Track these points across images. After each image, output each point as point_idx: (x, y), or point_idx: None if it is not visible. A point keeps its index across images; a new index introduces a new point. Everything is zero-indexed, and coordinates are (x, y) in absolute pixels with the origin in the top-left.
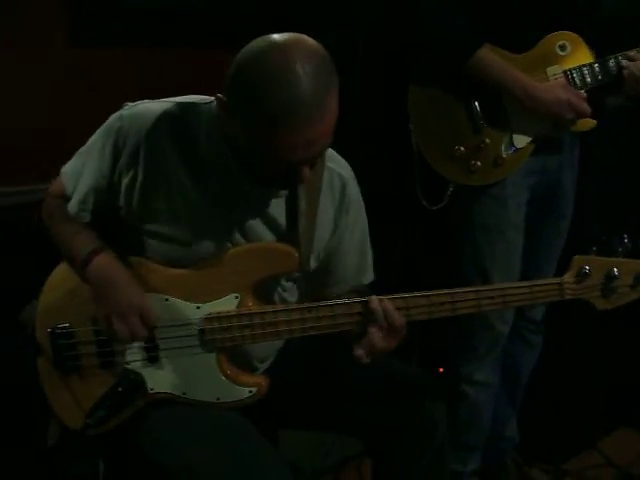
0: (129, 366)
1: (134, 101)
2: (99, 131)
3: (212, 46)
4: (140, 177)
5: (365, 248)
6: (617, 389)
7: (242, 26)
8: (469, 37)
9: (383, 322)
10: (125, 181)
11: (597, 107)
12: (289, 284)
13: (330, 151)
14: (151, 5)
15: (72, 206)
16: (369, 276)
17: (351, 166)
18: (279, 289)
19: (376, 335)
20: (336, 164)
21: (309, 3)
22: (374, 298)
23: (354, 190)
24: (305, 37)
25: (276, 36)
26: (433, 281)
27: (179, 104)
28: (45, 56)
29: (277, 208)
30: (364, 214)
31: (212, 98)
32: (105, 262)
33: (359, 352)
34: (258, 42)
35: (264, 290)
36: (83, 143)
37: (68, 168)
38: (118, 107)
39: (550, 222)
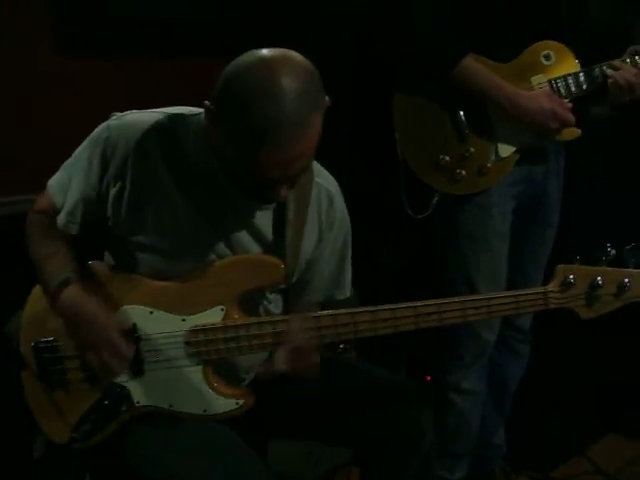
0: (115, 379)
1: (121, 111)
2: (86, 142)
3: (199, 55)
4: (127, 188)
5: (344, 264)
6: (604, 396)
7: (230, 35)
8: (454, 46)
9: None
10: (112, 192)
11: (582, 116)
12: (274, 296)
13: (318, 166)
14: (136, 14)
15: (60, 218)
16: (344, 293)
17: (337, 176)
18: (264, 301)
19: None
20: (324, 179)
21: (296, 11)
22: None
23: (340, 206)
24: (294, 53)
25: (265, 51)
26: (419, 290)
27: (167, 115)
28: (29, 64)
29: (264, 220)
30: (348, 231)
31: (201, 110)
32: (73, 296)
33: (260, 369)
34: (247, 55)
35: (249, 302)
36: (69, 153)
37: (54, 181)
38: (104, 116)
39: (536, 231)
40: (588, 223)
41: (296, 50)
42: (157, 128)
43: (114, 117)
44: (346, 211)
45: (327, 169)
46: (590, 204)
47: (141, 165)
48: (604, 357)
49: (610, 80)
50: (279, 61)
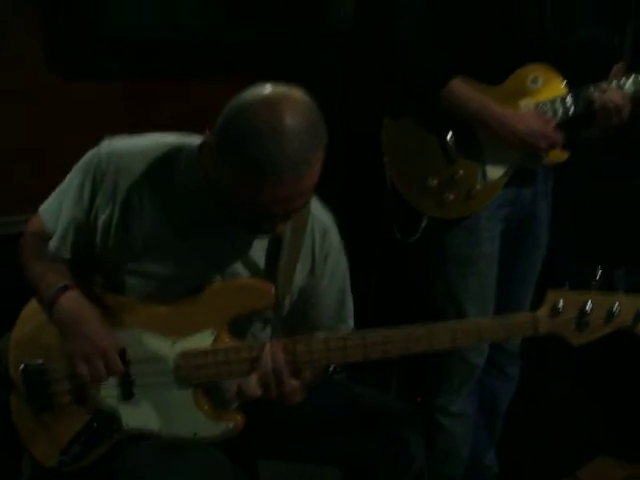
0: (104, 401)
1: (113, 133)
2: (77, 168)
3: (192, 76)
4: (117, 215)
5: (344, 297)
6: (596, 417)
7: (222, 57)
8: (442, 68)
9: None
10: (102, 218)
11: (570, 138)
12: (265, 322)
13: (314, 198)
14: (128, 36)
15: (52, 243)
16: (347, 325)
17: (325, 200)
18: (255, 326)
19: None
20: (319, 211)
21: (287, 34)
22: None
23: (335, 239)
24: (297, 91)
25: (269, 87)
26: (409, 315)
27: (160, 143)
28: (22, 85)
29: (258, 247)
30: (344, 264)
31: (194, 137)
32: (72, 301)
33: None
34: (250, 92)
35: (240, 327)
36: (60, 172)
37: (46, 207)
38: (96, 136)
39: (525, 253)
40: (577, 245)
41: (287, 72)
42: (149, 156)
43: (105, 143)
44: (341, 244)
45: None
46: (579, 226)
47: (131, 193)
48: (595, 378)
49: (598, 103)
50: (283, 99)
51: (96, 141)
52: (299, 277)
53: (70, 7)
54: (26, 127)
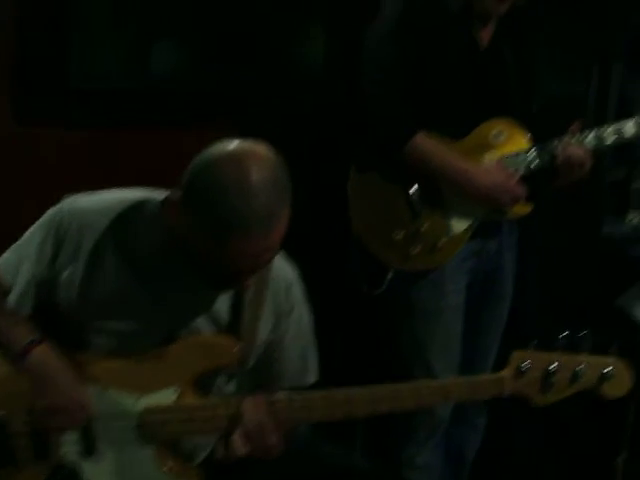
0: (66, 457)
1: (78, 189)
2: (37, 225)
3: (161, 126)
4: (81, 273)
5: (307, 351)
6: (562, 469)
7: (192, 107)
8: (406, 123)
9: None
10: (65, 275)
11: (534, 192)
12: (230, 375)
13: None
14: (97, 86)
15: (11, 299)
16: (310, 379)
17: (291, 254)
18: (220, 382)
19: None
20: (283, 265)
21: (256, 86)
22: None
23: (299, 292)
24: (263, 147)
25: (235, 144)
26: (375, 370)
27: (123, 198)
28: None
29: (221, 301)
30: (308, 317)
31: (159, 192)
32: (45, 354)
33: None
34: (217, 148)
35: (205, 383)
36: (26, 223)
37: (3, 262)
38: (65, 188)
39: (490, 305)
40: (543, 299)
41: (257, 121)
42: (112, 212)
43: (66, 201)
44: (305, 297)
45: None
46: (544, 279)
47: (94, 251)
48: (562, 430)
49: (561, 157)
50: (248, 155)
51: (67, 190)
52: (264, 332)
53: (38, 57)
54: None
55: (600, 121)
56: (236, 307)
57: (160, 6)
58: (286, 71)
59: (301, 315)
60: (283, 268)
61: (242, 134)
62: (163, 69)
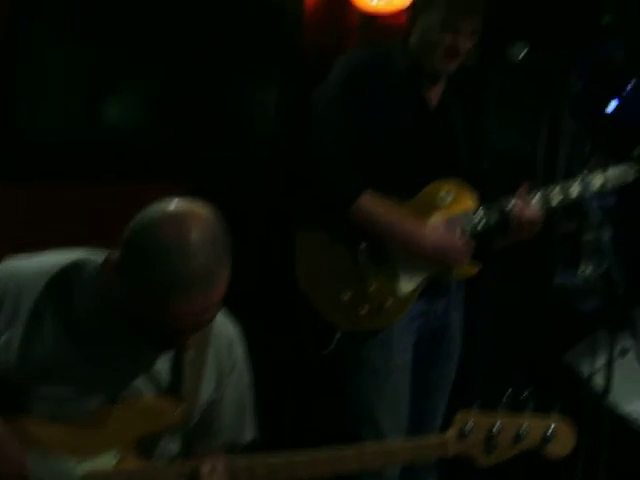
0: None
1: (21, 243)
2: None
3: (108, 181)
4: (19, 337)
5: (245, 409)
6: None
7: (140, 162)
8: (352, 184)
9: None
10: (3, 339)
11: (481, 251)
12: (172, 435)
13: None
14: (47, 140)
15: None
16: (247, 437)
17: (238, 316)
18: (162, 443)
19: None
20: (224, 322)
21: (206, 148)
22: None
23: (240, 350)
24: (202, 206)
25: (174, 203)
26: (323, 430)
27: (62, 260)
28: None
29: (162, 362)
30: (248, 376)
31: (98, 253)
32: None
33: None
34: (156, 208)
35: (147, 445)
36: None
37: None
38: (10, 242)
39: (438, 363)
40: (490, 353)
41: (208, 178)
42: (51, 275)
43: (5, 262)
44: (246, 355)
45: (229, 304)
46: (493, 335)
47: (33, 313)
48: None
49: (510, 217)
50: (188, 215)
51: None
52: (206, 391)
53: None
54: None
55: (549, 177)
56: (177, 367)
57: (111, 62)
58: (237, 129)
59: (242, 373)
60: (225, 326)
61: (191, 190)
62: (112, 124)
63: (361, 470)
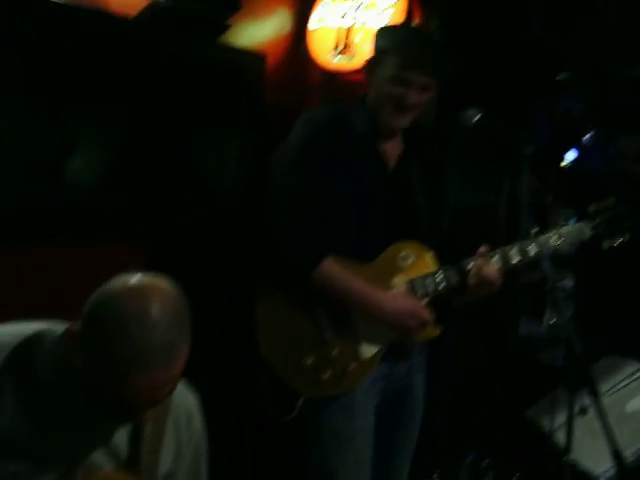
0: None
1: None
2: None
3: (56, 245)
4: None
5: (201, 478)
6: None
7: (85, 224)
8: (313, 249)
9: None
10: None
11: (442, 313)
12: None
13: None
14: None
15: None
16: None
17: (201, 383)
18: None
19: None
20: (183, 394)
21: (166, 209)
22: None
23: (199, 422)
24: (163, 281)
25: (135, 277)
26: None
27: (21, 332)
28: None
29: (120, 435)
30: (205, 447)
31: (59, 325)
32: None
33: None
34: (117, 281)
35: None
36: None
37: None
38: None
39: (401, 425)
40: (454, 413)
41: (171, 240)
42: (9, 348)
43: None
44: (204, 426)
45: (189, 371)
46: (457, 394)
47: None
48: None
49: (470, 277)
50: (149, 289)
51: None
52: (165, 463)
53: None
54: None
55: (511, 232)
56: (135, 440)
57: (69, 124)
58: (199, 189)
59: (199, 443)
60: (185, 396)
61: (152, 252)
62: (71, 186)
63: None
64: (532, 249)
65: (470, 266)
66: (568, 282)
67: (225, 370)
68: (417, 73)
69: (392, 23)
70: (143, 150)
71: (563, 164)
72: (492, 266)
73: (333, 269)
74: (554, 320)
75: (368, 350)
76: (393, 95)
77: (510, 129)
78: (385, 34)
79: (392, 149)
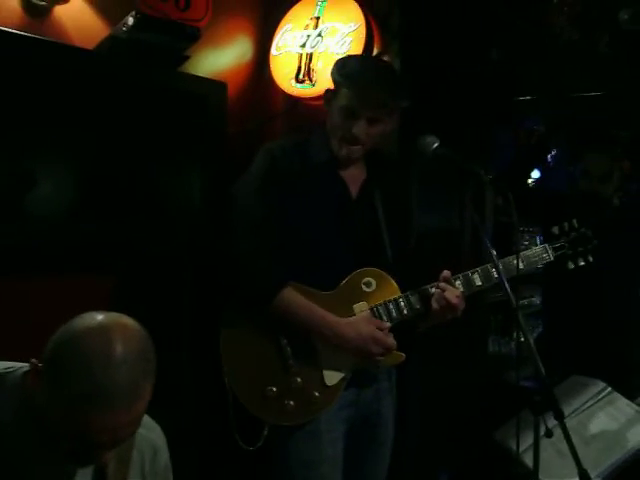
0: None
1: None
2: None
3: (31, 279)
4: None
5: None
6: None
7: (52, 258)
8: (273, 276)
9: None
10: None
11: (406, 339)
12: None
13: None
14: None
15: None
16: None
17: (165, 412)
18: None
19: None
20: (148, 430)
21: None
22: None
23: (164, 457)
24: (128, 319)
25: (100, 316)
26: None
27: None
28: None
29: (83, 475)
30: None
31: (18, 365)
32: None
33: None
34: (79, 320)
35: None
36: None
37: None
38: None
39: (371, 451)
40: (424, 435)
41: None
42: None
43: None
44: (169, 461)
45: (155, 404)
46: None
47: None
48: None
49: (433, 302)
50: (112, 328)
51: None
52: None
53: None
54: None
55: (476, 254)
56: (99, 477)
57: (30, 156)
58: (161, 219)
59: (165, 477)
60: (151, 431)
61: (115, 283)
62: (33, 219)
63: None
64: (494, 273)
65: (433, 291)
66: (537, 298)
67: (190, 400)
68: (365, 106)
69: (352, 50)
70: (103, 183)
71: (528, 182)
72: (454, 291)
73: (293, 297)
74: (521, 339)
75: (332, 377)
76: (341, 127)
77: (468, 156)
78: (340, 66)
79: (354, 176)
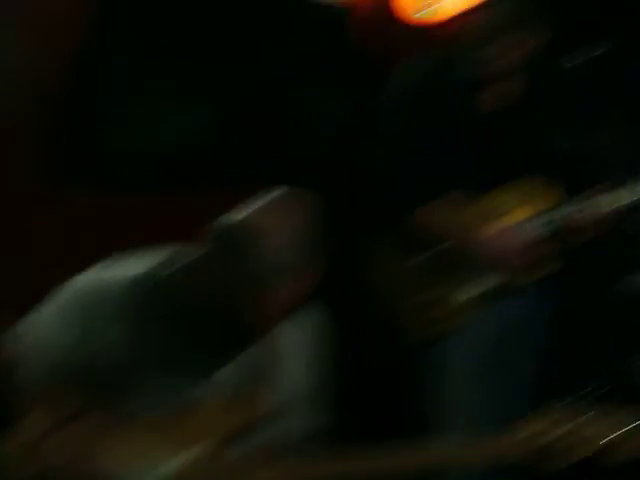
0: None
1: None
2: None
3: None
4: None
5: None
6: None
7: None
8: (416, 191)
9: None
10: None
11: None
12: None
13: None
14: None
15: None
16: None
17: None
18: None
19: None
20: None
21: None
22: None
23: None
24: (298, 194)
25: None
26: None
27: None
28: None
29: None
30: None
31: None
32: None
33: None
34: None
35: None
36: None
37: None
38: None
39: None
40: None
41: None
42: None
43: None
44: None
45: None
46: None
47: None
48: None
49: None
50: (283, 205)
51: None
52: None
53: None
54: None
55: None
56: None
57: None
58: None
59: None
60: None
61: None
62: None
63: None
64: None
65: (583, 206)
66: None
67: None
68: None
69: None
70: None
71: None
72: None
73: (437, 211)
74: None
75: (473, 290)
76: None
77: None
78: None
79: (497, 92)
